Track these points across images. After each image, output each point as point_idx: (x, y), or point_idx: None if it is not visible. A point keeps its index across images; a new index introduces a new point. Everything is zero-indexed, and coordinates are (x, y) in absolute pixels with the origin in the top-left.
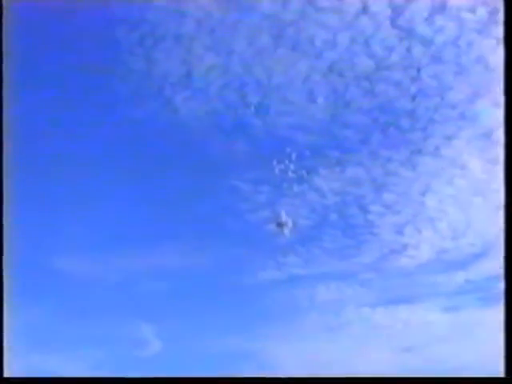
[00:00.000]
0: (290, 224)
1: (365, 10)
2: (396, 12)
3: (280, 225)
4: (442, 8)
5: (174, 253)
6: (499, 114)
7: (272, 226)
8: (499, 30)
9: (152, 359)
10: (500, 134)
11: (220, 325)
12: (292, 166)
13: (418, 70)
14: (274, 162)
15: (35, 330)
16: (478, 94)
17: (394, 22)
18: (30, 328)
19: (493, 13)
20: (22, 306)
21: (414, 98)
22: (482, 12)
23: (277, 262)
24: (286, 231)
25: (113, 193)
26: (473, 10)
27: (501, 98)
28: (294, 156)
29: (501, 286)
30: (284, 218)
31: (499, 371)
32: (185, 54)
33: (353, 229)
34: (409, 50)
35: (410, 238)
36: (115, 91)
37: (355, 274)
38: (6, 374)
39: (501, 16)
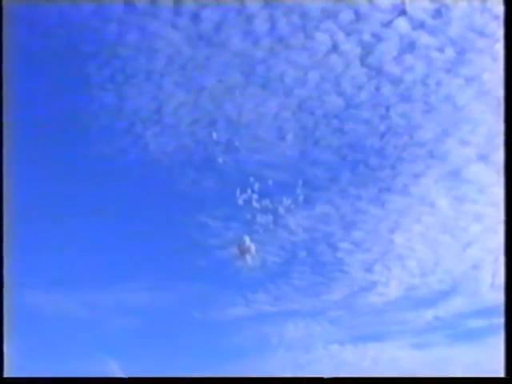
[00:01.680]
0: (252, 251)
1: (335, 48)
2: (365, 51)
3: (242, 250)
4: (410, 47)
5: (142, 289)
6: (467, 152)
7: (240, 262)
8: (467, 70)
9: None
10: (468, 173)
11: (188, 361)
12: (261, 203)
13: (387, 109)
14: (243, 199)
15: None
16: (446, 132)
17: (363, 61)
18: None
19: (460, 53)
20: None
21: (382, 136)
22: (450, 51)
23: (246, 298)
24: (249, 258)
25: (81, 229)
26: (441, 50)
27: (468, 137)
28: (263, 193)
29: (469, 322)
30: (247, 243)
31: None
32: (155, 90)
33: (322, 266)
34: (378, 88)
35: (378, 275)
36: (85, 127)
37: (324, 311)
38: (6, 373)
39: (468, 56)
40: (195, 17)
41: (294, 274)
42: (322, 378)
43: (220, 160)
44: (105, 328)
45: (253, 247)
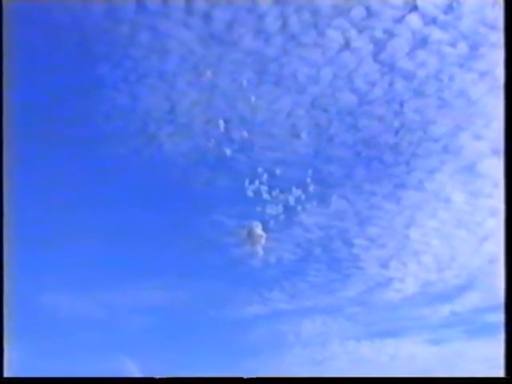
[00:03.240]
0: (263, 240)
1: (347, 45)
2: (378, 47)
3: (251, 237)
4: (423, 43)
5: (157, 288)
6: (482, 146)
7: (256, 261)
8: (480, 64)
9: None
10: (482, 167)
11: (204, 360)
12: (275, 201)
13: (401, 105)
14: (257, 197)
15: (19, 367)
16: (460, 127)
17: (376, 57)
18: (13, 364)
19: (473, 47)
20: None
21: (397, 132)
22: (462, 46)
23: (261, 296)
24: (259, 248)
25: (97, 229)
26: (453, 45)
27: (482, 131)
28: (277, 191)
29: (486, 317)
30: (258, 231)
31: None
32: (168, 90)
33: (337, 263)
34: (391, 84)
35: (394, 271)
36: (99, 128)
37: (340, 308)
38: (6, 373)
39: (481, 50)
40: (207, 16)
41: (310, 271)
42: (324, 378)
43: (234, 159)
44: (121, 327)
45: (264, 236)
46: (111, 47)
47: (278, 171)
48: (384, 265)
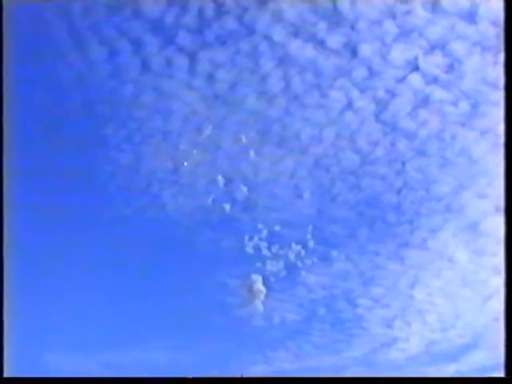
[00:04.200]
0: (262, 296)
1: (349, 105)
2: (380, 107)
3: (251, 292)
4: (424, 102)
5: (162, 349)
6: (485, 205)
7: (260, 321)
8: (481, 123)
9: None
10: (486, 225)
11: None
12: (280, 263)
13: (403, 164)
14: (260, 257)
15: None
16: (462, 186)
17: (378, 117)
18: None
19: (474, 106)
20: None
21: (399, 191)
22: (463, 105)
23: (266, 356)
24: (258, 303)
25: (101, 290)
26: (455, 104)
27: (485, 190)
28: (281, 251)
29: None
30: (258, 286)
31: None
32: (172, 151)
33: (342, 323)
34: (393, 143)
35: (399, 330)
36: (103, 187)
37: (345, 368)
38: (6, 373)
39: (482, 109)
40: (210, 77)
41: (314, 332)
42: (325, 378)
43: (237, 219)
44: None
45: (263, 291)
46: (115, 107)
47: (281, 232)
48: (388, 325)
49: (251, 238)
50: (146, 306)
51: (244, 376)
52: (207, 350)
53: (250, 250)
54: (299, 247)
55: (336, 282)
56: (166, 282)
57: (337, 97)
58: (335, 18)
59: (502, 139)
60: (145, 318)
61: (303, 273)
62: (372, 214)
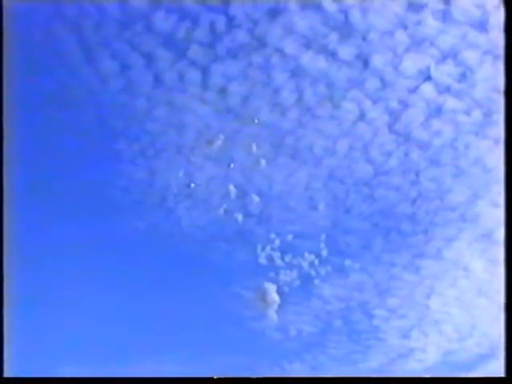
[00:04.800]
0: (275, 305)
1: (362, 116)
2: (393, 117)
3: (265, 300)
4: (437, 112)
5: (177, 362)
6: (499, 214)
7: (275, 334)
8: (494, 131)
9: None
10: (501, 234)
11: None
12: (294, 274)
13: (417, 174)
14: (275, 269)
15: None
16: (477, 195)
17: (391, 128)
18: None
19: (487, 114)
20: None
21: (413, 201)
22: (476, 114)
23: (282, 369)
24: (272, 312)
25: (114, 303)
26: (468, 113)
27: (499, 199)
28: (296, 263)
29: None
30: (273, 295)
31: None
32: (185, 165)
33: (358, 334)
34: (407, 154)
35: (415, 341)
36: (116, 202)
37: None
38: (6, 373)
39: (495, 117)
40: (222, 90)
41: (330, 344)
42: (325, 378)
43: (252, 231)
44: None
45: (277, 301)
46: (128, 122)
47: (296, 244)
48: (405, 335)
49: (263, 248)
50: (159, 320)
51: (245, 376)
52: (223, 363)
53: (262, 260)
54: (312, 256)
55: (352, 294)
56: (180, 296)
57: (349, 108)
58: (346, 30)
59: None
60: (158, 331)
61: (317, 282)
62: (387, 225)
